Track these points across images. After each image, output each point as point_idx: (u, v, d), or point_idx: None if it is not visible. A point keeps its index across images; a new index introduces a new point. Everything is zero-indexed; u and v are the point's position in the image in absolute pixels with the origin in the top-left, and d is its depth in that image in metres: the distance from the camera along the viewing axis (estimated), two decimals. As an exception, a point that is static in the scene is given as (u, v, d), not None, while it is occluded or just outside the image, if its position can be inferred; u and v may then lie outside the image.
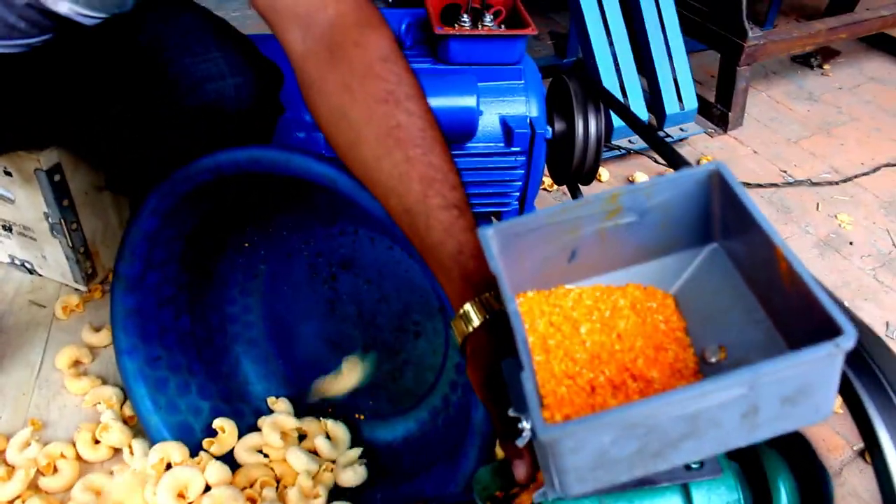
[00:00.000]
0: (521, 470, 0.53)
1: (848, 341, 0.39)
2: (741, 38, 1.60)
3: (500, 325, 0.59)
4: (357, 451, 0.90)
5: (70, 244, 1.12)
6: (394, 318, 0.90)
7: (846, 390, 0.55)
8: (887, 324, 1.22)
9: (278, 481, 0.89)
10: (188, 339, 0.94)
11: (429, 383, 0.90)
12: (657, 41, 1.59)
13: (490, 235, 0.50)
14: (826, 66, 2.01)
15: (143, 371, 0.90)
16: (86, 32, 0.84)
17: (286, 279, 0.95)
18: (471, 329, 0.59)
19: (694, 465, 0.57)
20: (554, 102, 1.16)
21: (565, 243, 0.54)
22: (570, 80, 1.14)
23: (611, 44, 1.57)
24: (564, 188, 1.29)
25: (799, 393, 0.41)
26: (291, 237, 0.93)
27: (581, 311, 0.54)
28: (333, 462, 0.90)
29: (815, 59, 2.00)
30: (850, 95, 1.91)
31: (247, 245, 0.94)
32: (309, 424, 0.93)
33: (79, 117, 0.91)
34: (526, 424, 0.49)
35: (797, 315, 0.44)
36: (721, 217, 0.53)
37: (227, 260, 0.94)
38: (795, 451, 0.59)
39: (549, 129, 1.07)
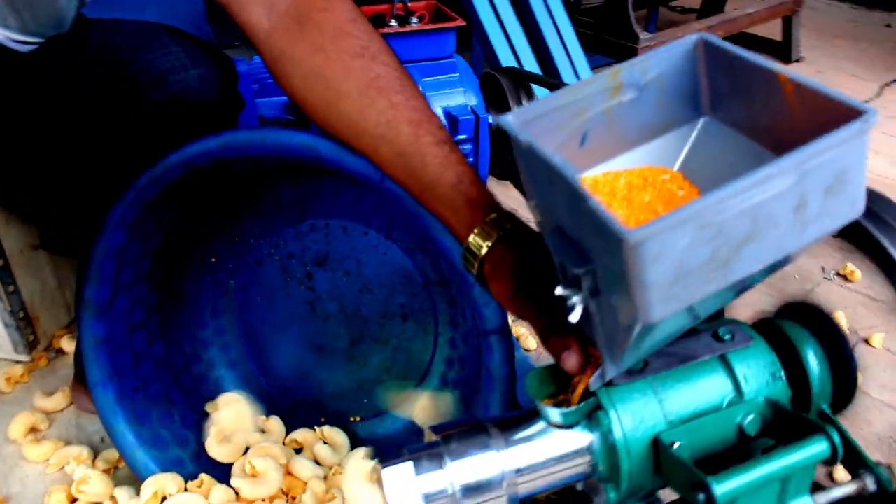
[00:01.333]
0: (571, 360, 0.54)
1: (873, 117, 0.43)
2: (634, 41, 1.73)
3: (515, 240, 0.61)
4: (364, 451, 0.87)
5: (8, 308, 1.06)
6: (378, 306, 0.90)
7: (869, 243, 0.59)
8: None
9: (286, 494, 0.85)
10: (164, 367, 0.90)
11: (424, 365, 0.89)
12: (562, 60, 1.69)
13: (511, 121, 0.52)
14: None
15: (121, 403, 0.85)
16: (21, 60, 0.82)
17: (259, 289, 0.93)
18: (486, 248, 0.61)
19: (726, 337, 0.60)
20: (487, 99, 1.22)
21: (575, 128, 0.56)
22: (500, 75, 1.20)
23: (519, 65, 1.66)
24: (508, 182, 1.33)
25: (837, 181, 0.45)
26: (259, 244, 0.91)
27: (603, 193, 0.56)
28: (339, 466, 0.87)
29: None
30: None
31: (213, 260, 0.92)
32: (304, 435, 0.90)
33: (14, 162, 0.88)
34: (576, 298, 0.50)
35: (814, 130, 0.48)
36: (710, 86, 0.57)
37: (194, 280, 0.92)
38: (817, 322, 0.62)
39: (490, 115, 1.11)
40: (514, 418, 0.57)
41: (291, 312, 0.93)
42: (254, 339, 0.95)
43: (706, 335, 0.61)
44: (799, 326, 0.62)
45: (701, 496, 0.50)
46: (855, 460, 0.57)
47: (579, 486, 0.61)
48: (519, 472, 0.55)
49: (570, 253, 0.49)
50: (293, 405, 0.94)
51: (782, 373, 0.59)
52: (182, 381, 0.91)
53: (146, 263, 0.85)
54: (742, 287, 0.51)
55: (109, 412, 0.85)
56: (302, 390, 0.94)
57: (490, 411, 0.74)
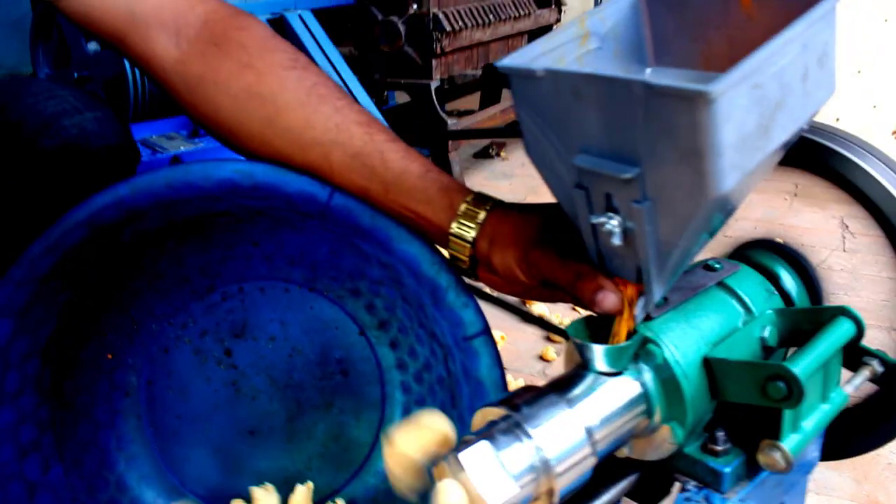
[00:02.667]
0: (609, 299, 0.54)
1: (836, -1, 0.50)
2: (443, 128, 1.84)
3: (505, 208, 0.61)
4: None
5: None
6: (313, 368, 0.82)
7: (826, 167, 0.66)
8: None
9: None
10: (66, 497, 0.74)
11: (377, 418, 0.82)
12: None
13: (518, 61, 0.53)
14: (503, 153, 2.38)
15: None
16: None
17: (168, 381, 0.82)
18: (476, 227, 0.60)
19: (717, 266, 0.63)
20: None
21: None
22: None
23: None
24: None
25: (823, 54, 0.51)
26: (163, 328, 0.81)
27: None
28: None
29: (492, 149, 2.36)
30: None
31: (109, 357, 0.80)
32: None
33: None
34: (615, 221, 0.51)
35: (777, 30, 0.54)
36: (654, 35, 0.63)
37: (87, 382, 0.78)
38: (778, 248, 0.68)
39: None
40: (561, 379, 0.55)
41: (212, 399, 0.82)
42: (169, 443, 0.82)
43: (699, 270, 0.64)
44: (767, 252, 0.67)
45: (780, 384, 0.50)
46: (855, 353, 0.62)
47: (626, 451, 0.60)
48: (593, 428, 0.52)
49: (609, 167, 0.50)
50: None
51: (773, 288, 0.63)
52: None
53: (34, 364, 0.72)
54: (732, 208, 0.54)
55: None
56: (238, 487, 0.82)
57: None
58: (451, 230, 0.61)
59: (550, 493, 0.49)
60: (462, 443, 0.49)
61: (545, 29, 2.40)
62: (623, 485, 0.61)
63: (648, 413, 0.55)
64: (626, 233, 0.52)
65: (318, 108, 0.64)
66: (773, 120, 0.48)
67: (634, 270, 0.54)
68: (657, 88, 0.44)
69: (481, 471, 0.47)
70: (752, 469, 0.57)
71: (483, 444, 0.48)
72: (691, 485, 0.57)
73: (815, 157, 0.65)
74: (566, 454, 0.49)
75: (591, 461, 0.51)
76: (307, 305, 0.82)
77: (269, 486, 0.80)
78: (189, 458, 0.83)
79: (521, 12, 2.24)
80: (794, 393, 0.50)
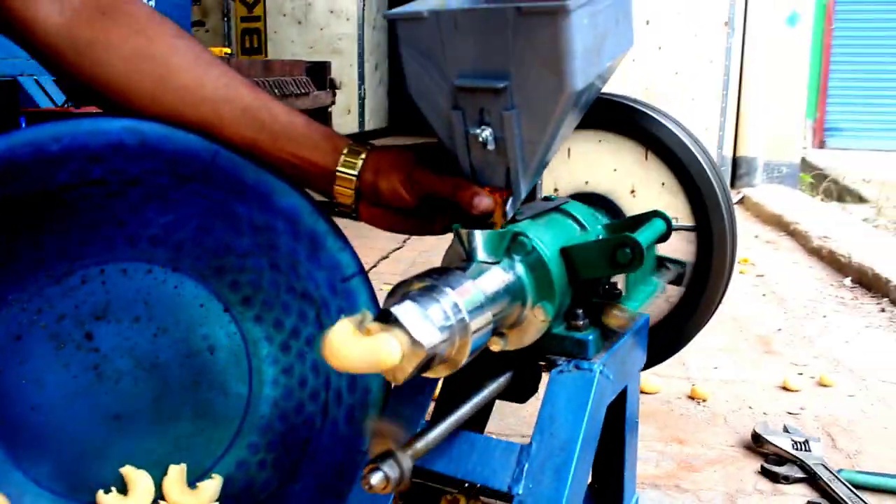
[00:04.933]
0: (484, 201, 0.70)
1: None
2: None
3: (382, 147, 0.75)
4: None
5: None
6: (179, 346, 0.87)
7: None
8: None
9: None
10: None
11: (245, 392, 0.88)
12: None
13: (392, 14, 0.68)
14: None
15: None
16: None
17: (21, 371, 0.81)
18: (361, 161, 0.73)
19: (552, 197, 0.82)
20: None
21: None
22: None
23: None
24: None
25: (625, 13, 0.72)
26: (14, 315, 0.81)
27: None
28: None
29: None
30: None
31: (-47, 343, 0.78)
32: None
33: None
34: (488, 131, 0.68)
35: None
36: None
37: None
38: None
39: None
40: (452, 268, 0.67)
41: (71, 386, 0.83)
42: (20, 437, 0.80)
43: (540, 202, 0.81)
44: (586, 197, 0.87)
45: (627, 250, 0.68)
46: (660, 263, 0.82)
47: (502, 344, 0.73)
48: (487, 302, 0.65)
49: (483, 82, 0.66)
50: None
51: (600, 215, 0.82)
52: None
53: None
54: (587, 101, 0.72)
55: None
56: (105, 475, 0.82)
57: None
58: (339, 168, 0.73)
59: (463, 348, 0.61)
60: (387, 307, 0.59)
61: (323, 109, 2.60)
62: (499, 382, 0.74)
63: (522, 300, 0.70)
64: (496, 141, 0.67)
65: (207, 70, 0.74)
66: (601, 45, 0.67)
67: (503, 178, 0.70)
68: (525, 8, 0.61)
69: (412, 320, 0.57)
70: (605, 342, 0.73)
71: (408, 303, 0.59)
72: (561, 360, 0.71)
73: (623, 117, 0.86)
74: (476, 314, 0.61)
75: (490, 328, 0.64)
76: (171, 285, 0.87)
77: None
78: (46, 451, 0.82)
79: (301, 91, 2.42)
80: (636, 255, 0.67)
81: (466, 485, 0.69)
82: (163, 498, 0.83)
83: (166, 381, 0.86)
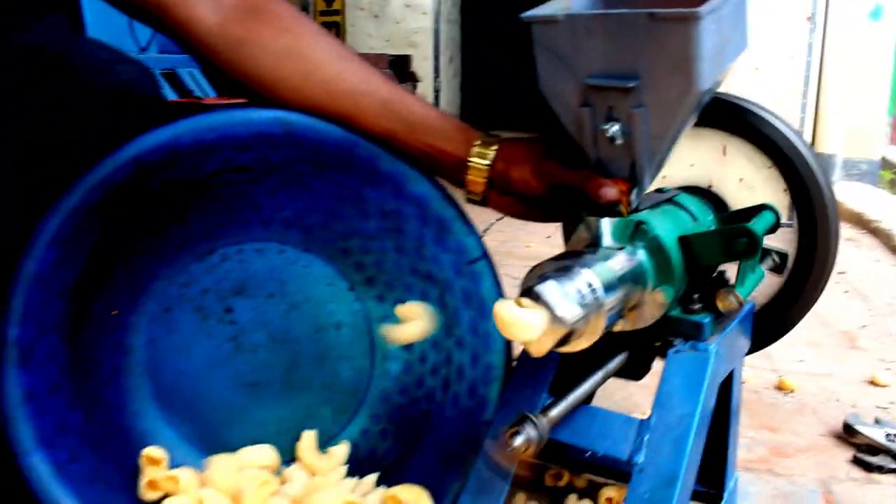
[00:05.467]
0: (611, 191, 0.75)
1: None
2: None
3: (513, 139, 0.81)
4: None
5: None
6: (310, 321, 0.95)
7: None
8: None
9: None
10: (88, 440, 0.80)
11: (367, 366, 0.95)
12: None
13: (529, 16, 0.75)
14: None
15: (63, 471, 0.74)
16: None
17: (171, 339, 0.90)
18: (493, 152, 0.80)
19: (665, 190, 0.87)
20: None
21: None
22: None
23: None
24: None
25: (742, 14, 0.77)
26: (165, 288, 0.91)
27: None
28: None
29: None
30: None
31: (114, 314, 0.88)
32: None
33: None
34: (616, 127, 0.74)
35: None
36: None
37: (94, 339, 0.86)
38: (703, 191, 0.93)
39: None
40: (580, 251, 0.73)
41: (213, 355, 0.91)
42: (171, 399, 0.90)
43: (654, 194, 0.86)
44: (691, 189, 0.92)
45: (743, 240, 0.73)
46: (764, 253, 0.87)
47: (622, 325, 0.79)
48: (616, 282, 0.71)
49: (614, 82, 0.72)
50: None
51: (708, 207, 0.88)
52: (108, 456, 0.82)
53: (60, 305, 0.79)
54: (698, 111, 0.78)
55: (50, 483, 0.74)
56: (241, 438, 0.91)
57: (492, 340, 0.86)
58: (471, 158, 0.80)
59: (598, 325, 0.67)
60: (531, 285, 0.65)
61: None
62: (617, 360, 0.80)
63: (643, 284, 0.75)
64: (623, 136, 0.73)
65: (348, 66, 0.81)
66: (723, 48, 0.72)
67: (628, 170, 0.76)
68: (659, 15, 0.67)
69: (554, 298, 0.63)
70: (718, 325, 0.78)
71: (551, 282, 0.65)
72: (678, 341, 0.77)
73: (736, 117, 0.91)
74: (608, 293, 0.67)
75: (619, 307, 0.70)
76: (301, 265, 0.95)
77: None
78: (192, 413, 0.91)
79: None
80: (753, 245, 0.73)
81: (588, 454, 0.76)
82: (294, 461, 0.91)
83: (297, 354, 0.94)
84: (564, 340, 0.65)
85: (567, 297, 0.64)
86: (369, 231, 0.93)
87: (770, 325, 0.95)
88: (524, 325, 0.62)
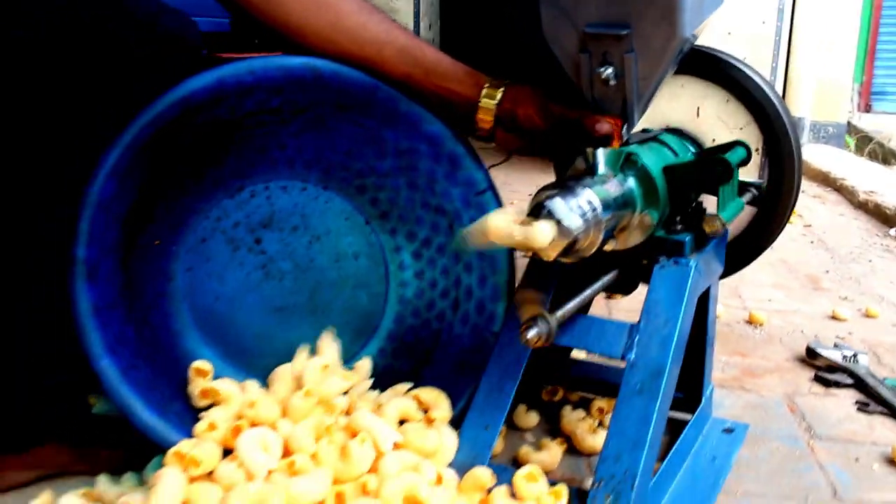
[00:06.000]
0: (605, 125, 0.87)
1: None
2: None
3: (519, 82, 0.93)
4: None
5: None
6: (331, 252, 1.06)
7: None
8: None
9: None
10: (141, 354, 0.92)
11: (382, 292, 1.07)
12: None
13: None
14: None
15: (127, 375, 0.86)
16: None
17: (207, 267, 1.02)
18: (501, 93, 0.91)
19: (650, 130, 0.99)
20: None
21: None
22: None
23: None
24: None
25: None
26: (201, 221, 1.01)
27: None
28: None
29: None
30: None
31: (157, 244, 0.98)
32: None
33: None
34: (610, 70, 0.85)
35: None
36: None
37: (140, 266, 0.97)
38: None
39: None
40: (577, 176, 0.85)
41: (245, 281, 1.03)
42: (209, 322, 1.01)
43: (639, 134, 0.99)
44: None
45: (718, 168, 0.86)
46: (742, 187, 1.00)
47: (613, 245, 0.91)
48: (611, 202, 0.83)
49: (611, 30, 0.84)
50: (266, 374, 1.01)
51: (688, 145, 1.00)
52: (160, 368, 0.93)
53: (116, 232, 0.90)
54: (680, 56, 0.90)
55: (119, 385, 0.85)
56: (271, 357, 1.02)
57: (498, 263, 0.99)
58: (481, 98, 0.91)
59: (596, 238, 0.79)
60: (539, 202, 0.77)
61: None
62: (607, 278, 0.93)
63: (633, 208, 0.88)
64: (616, 78, 0.85)
65: (370, 17, 0.92)
66: (702, 1, 0.84)
67: (619, 109, 0.88)
68: (648, -32, 0.79)
69: (561, 211, 0.76)
70: (697, 246, 0.91)
71: (558, 198, 0.77)
72: (662, 258, 0.90)
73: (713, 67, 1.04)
74: (605, 212, 0.80)
75: (613, 224, 0.82)
76: (322, 201, 1.06)
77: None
78: (227, 334, 1.02)
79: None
80: (727, 171, 0.85)
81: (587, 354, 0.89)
82: (319, 375, 1.03)
83: (320, 281, 1.06)
84: (567, 251, 0.78)
85: (572, 210, 0.76)
86: (384, 169, 1.04)
87: (740, 253, 1.08)
88: (537, 235, 0.74)
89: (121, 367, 0.87)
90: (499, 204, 0.99)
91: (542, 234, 0.74)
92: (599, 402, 1.10)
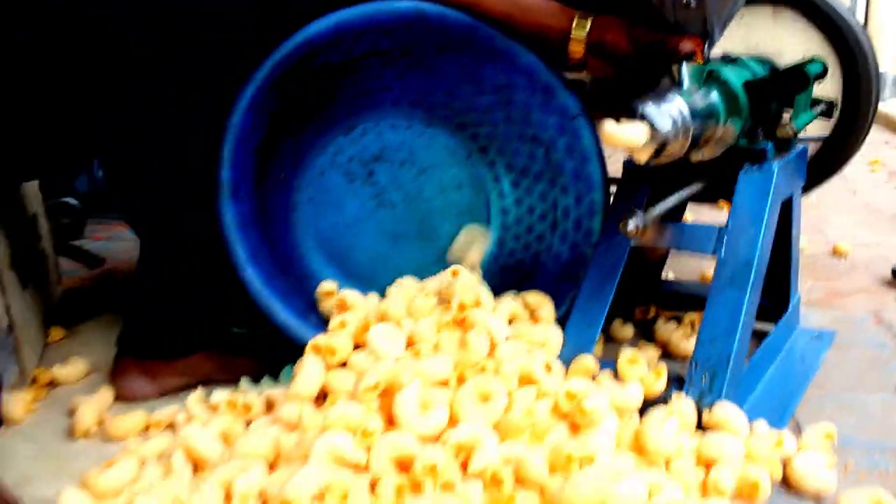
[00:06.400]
0: (688, 43, 0.96)
1: None
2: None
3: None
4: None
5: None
6: (437, 182, 1.17)
7: None
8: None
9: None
10: (276, 269, 1.05)
11: (484, 218, 1.18)
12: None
13: None
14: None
15: (271, 283, 0.99)
16: None
17: (326, 197, 1.14)
18: (589, 23, 1.01)
19: (730, 56, 1.07)
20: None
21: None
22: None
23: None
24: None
25: None
26: (318, 158, 1.14)
27: None
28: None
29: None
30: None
31: (281, 177, 1.11)
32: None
33: None
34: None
35: None
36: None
37: (268, 197, 1.10)
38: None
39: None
40: (667, 88, 0.94)
41: (360, 210, 1.15)
42: (330, 246, 1.14)
43: (721, 58, 1.07)
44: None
45: (796, 78, 0.94)
46: (815, 101, 1.07)
47: (700, 156, 1.00)
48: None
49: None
50: (382, 295, 1.13)
51: (766, 66, 1.08)
52: (292, 287, 1.06)
53: (251, 160, 1.03)
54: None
55: (262, 289, 0.98)
56: (385, 278, 1.14)
57: (593, 181, 1.08)
58: (573, 30, 1.01)
59: (684, 142, 0.88)
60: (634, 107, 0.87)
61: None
62: (695, 187, 1.02)
63: (716, 119, 0.96)
64: (697, 1, 0.94)
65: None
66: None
67: (700, 29, 0.97)
68: None
69: (654, 114, 0.85)
70: (779, 152, 0.99)
71: (650, 103, 0.86)
72: (746, 164, 0.98)
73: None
74: (693, 119, 0.89)
75: (699, 132, 0.91)
76: (427, 137, 1.17)
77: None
78: (346, 259, 1.15)
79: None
80: (803, 80, 0.93)
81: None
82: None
83: (427, 210, 1.17)
84: (658, 152, 0.87)
85: (663, 114, 0.85)
86: (483, 106, 1.15)
87: (819, 170, 1.16)
88: (631, 136, 0.83)
89: (262, 276, 1.00)
90: (591, 126, 1.09)
91: (637, 134, 0.83)
92: (691, 316, 1.19)
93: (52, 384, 1.14)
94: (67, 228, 1.78)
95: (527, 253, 1.16)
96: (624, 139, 0.83)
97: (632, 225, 0.87)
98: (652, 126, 0.84)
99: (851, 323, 1.22)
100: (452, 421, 0.82)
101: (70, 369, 1.16)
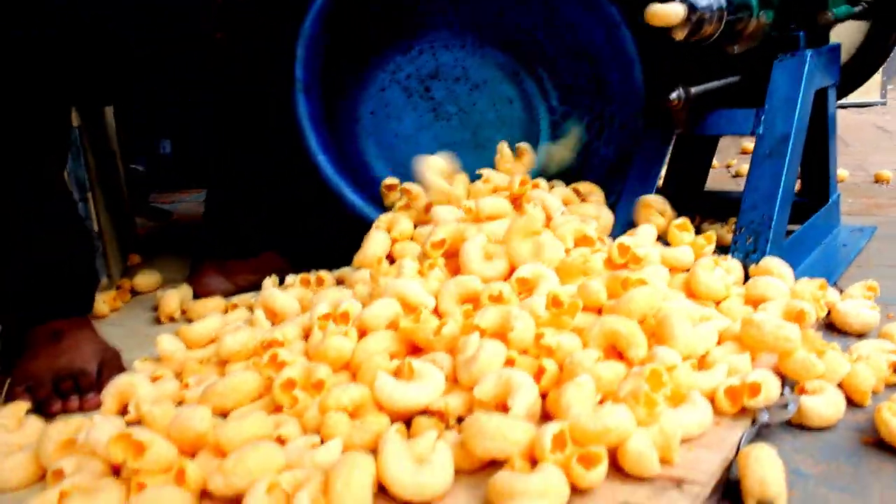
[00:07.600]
0: None
1: None
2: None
3: None
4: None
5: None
6: (489, 97, 1.29)
7: None
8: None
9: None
10: (343, 168, 1.17)
11: (536, 130, 1.29)
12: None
13: None
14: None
15: (340, 171, 1.12)
16: None
17: (387, 110, 1.26)
18: None
19: None
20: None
21: None
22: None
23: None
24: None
25: None
26: (379, 75, 1.27)
27: None
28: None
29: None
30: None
31: (346, 91, 1.24)
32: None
33: None
34: None
35: None
36: None
37: (334, 111, 1.22)
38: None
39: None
40: None
41: (418, 122, 1.27)
42: (391, 154, 1.26)
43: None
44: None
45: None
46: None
47: (735, 49, 1.10)
48: None
49: None
50: (438, 200, 1.25)
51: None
52: (356, 180, 1.18)
53: (319, 65, 1.16)
54: None
55: (333, 173, 1.11)
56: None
57: (637, 86, 1.19)
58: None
59: (717, 25, 0.99)
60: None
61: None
62: (731, 78, 1.12)
63: (749, 12, 1.07)
64: None
65: None
66: None
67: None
68: None
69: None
70: (812, 43, 1.09)
71: None
72: (780, 54, 1.08)
73: None
74: (727, 6, 0.99)
75: (733, 19, 1.01)
76: (479, 55, 1.29)
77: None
78: (406, 165, 1.26)
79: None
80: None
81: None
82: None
83: (481, 121, 1.29)
84: (694, 31, 0.97)
85: (699, -4, 0.96)
86: (529, 24, 1.26)
87: (855, 72, 1.25)
88: (671, 12, 0.94)
89: (333, 163, 1.12)
90: (632, 36, 1.20)
91: (677, 11, 0.94)
92: (733, 220, 1.28)
93: (133, 292, 1.27)
94: (136, 191, 1.93)
95: (575, 161, 1.27)
96: (664, 15, 0.94)
97: (674, 94, 0.98)
98: (691, 5, 0.95)
99: (892, 224, 1.31)
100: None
101: (148, 278, 1.29)
